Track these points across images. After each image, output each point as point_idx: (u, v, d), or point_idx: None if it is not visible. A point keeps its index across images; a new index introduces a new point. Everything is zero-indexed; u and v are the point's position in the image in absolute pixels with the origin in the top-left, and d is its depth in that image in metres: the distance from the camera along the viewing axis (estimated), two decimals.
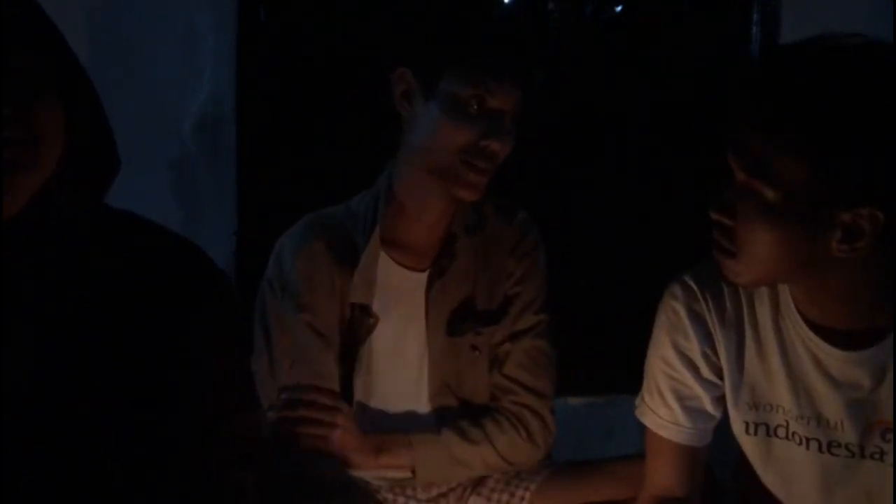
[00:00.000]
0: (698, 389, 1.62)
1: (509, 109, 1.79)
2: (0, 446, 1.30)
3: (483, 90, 1.77)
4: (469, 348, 1.94)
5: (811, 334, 1.53)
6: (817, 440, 1.56)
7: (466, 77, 1.77)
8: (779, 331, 1.57)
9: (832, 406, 1.53)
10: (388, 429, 1.93)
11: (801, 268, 1.44)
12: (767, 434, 1.60)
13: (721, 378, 1.62)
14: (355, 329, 1.89)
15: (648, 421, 1.67)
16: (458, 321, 1.93)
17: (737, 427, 1.65)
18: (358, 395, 1.92)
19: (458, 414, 1.95)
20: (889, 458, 1.51)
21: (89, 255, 1.36)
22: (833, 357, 1.52)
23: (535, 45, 1.86)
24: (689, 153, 2.87)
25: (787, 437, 1.59)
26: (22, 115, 1.26)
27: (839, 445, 1.54)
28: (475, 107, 1.77)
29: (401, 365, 1.93)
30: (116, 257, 1.38)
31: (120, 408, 1.34)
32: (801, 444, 1.57)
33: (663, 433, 1.65)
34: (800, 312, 1.53)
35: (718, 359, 1.61)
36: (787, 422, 1.58)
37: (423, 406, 1.95)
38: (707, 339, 1.61)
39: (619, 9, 2.99)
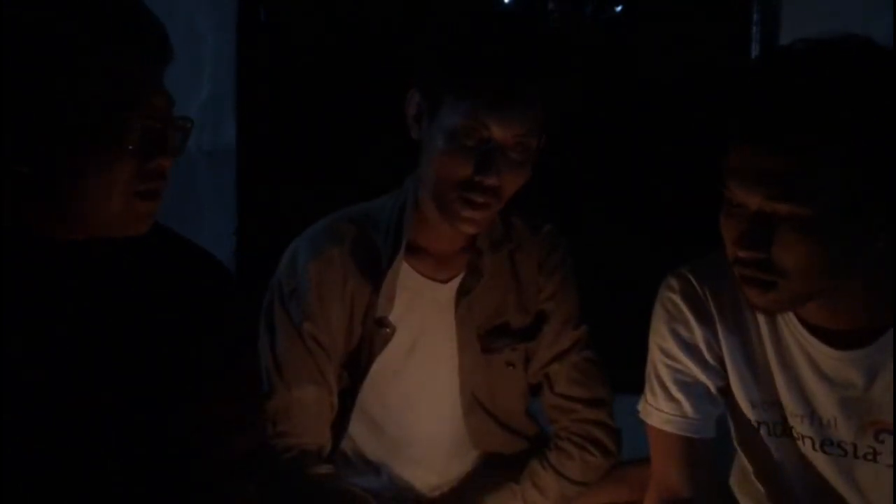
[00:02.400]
0: (702, 376, 1.62)
1: (513, 143, 1.70)
2: (18, 445, 1.31)
3: (478, 123, 1.68)
4: (503, 364, 1.93)
5: (805, 333, 1.53)
6: (810, 438, 1.56)
7: (463, 108, 1.69)
8: (774, 329, 1.57)
9: (825, 404, 1.53)
10: (403, 436, 1.93)
11: (839, 274, 1.42)
12: (759, 431, 1.60)
13: (723, 367, 1.61)
14: (369, 339, 1.87)
15: (654, 419, 1.66)
16: (491, 338, 1.91)
17: (732, 423, 1.65)
18: (363, 400, 1.91)
19: (490, 429, 1.94)
20: (882, 459, 1.51)
21: (115, 262, 1.37)
22: (826, 356, 1.52)
23: (547, 77, 1.73)
24: (688, 154, 2.86)
25: (782, 435, 1.59)
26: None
27: (832, 444, 1.55)
28: (471, 139, 1.69)
29: (415, 373, 1.91)
30: (142, 265, 1.39)
31: (134, 413, 1.35)
32: (795, 441, 1.57)
33: (670, 428, 1.64)
34: (795, 311, 1.53)
35: (720, 348, 1.61)
36: (782, 419, 1.58)
37: (451, 419, 1.94)
38: (709, 326, 1.61)
39: (619, 9, 2.99)
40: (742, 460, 1.68)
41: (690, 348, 1.62)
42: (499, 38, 1.76)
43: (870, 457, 1.52)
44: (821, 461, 1.56)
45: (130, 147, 1.27)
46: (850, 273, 1.42)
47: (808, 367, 1.54)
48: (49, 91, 1.25)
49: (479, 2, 3.02)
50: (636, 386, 1.73)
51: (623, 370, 1.96)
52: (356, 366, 1.89)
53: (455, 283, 1.89)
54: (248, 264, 2.84)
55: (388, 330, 1.86)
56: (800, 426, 1.56)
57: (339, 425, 1.91)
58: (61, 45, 1.26)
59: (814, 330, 1.52)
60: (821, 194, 1.33)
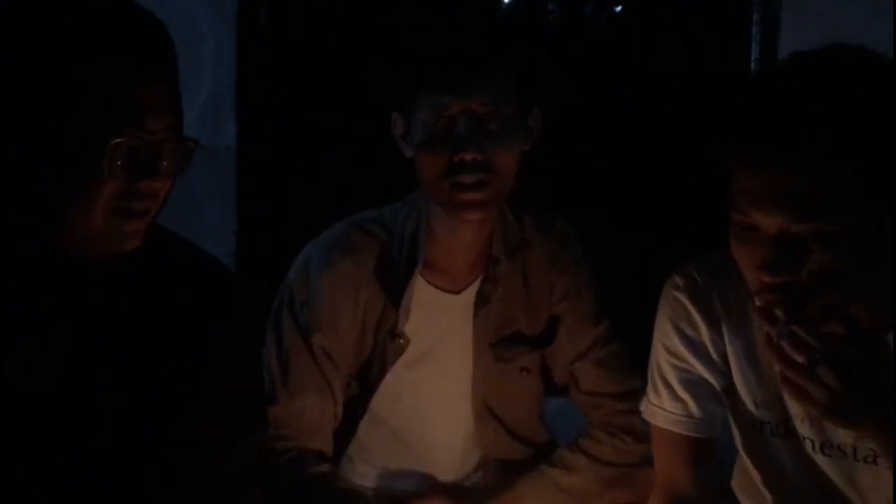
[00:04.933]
0: (707, 375, 1.61)
1: (484, 114, 1.72)
2: (24, 453, 1.31)
3: (442, 108, 1.71)
4: (517, 370, 1.92)
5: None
6: (810, 439, 1.55)
7: (427, 102, 1.73)
8: None
9: None
10: (413, 441, 1.94)
11: (866, 284, 1.39)
12: (762, 431, 1.60)
13: (727, 366, 1.60)
14: (381, 350, 1.87)
15: (659, 420, 1.65)
16: (504, 347, 1.90)
17: (735, 423, 1.65)
18: (374, 408, 1.90)
19: (500, 438, 1.94)
20: (883, 462, 1.50)
21: (116, 267, 1.36)
22: None
23: (497, 48, 1.77)
24: (688, 154, 2.87)
25: (786, 435, 1.58)
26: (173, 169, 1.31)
27: (831, 446, 1.54)
28: (441, 125, 1.72)
29: (427, 382, 1.91)
30: (144, 271, 1.38)
31: (140, 421, 1.35)
32: (795, 442, 1.57)
33: (675, 428, 1.63)
34: None
35: (725, 347, 1.60)
36: (785, 419, 1.58)
37: (462, 427, 1.94)
38: (714, 325, 1.59)
39: (619, 9, 3.00)
40: (744, 462, 1.68)
41: (696, 346, 1.61)
42: (442, 27, 1.86)
43: (870, 459, 1.52)
44: (822, 463, 1.56)
45: (114, 167, 1.24)
46: (872, 281, 1.41)
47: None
48: (33, 106, 1.24)
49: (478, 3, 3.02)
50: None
51: None
52: (367, 376, 1.88)
53: (468, 292, 1.88)
54: (248, 264, 2.84)
55: (402, 341, 1.86)
56: (800, 427, 1.56)
57: (345, 432, 1.91)
58: (48, 59, 1.24)
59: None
60: (846, 208, 1.32)
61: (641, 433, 1.88)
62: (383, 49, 1.82)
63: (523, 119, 1.79)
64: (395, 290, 1.85)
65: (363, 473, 1.95)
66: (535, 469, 1.89)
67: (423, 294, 1.86)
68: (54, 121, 1.24)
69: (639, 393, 1.89)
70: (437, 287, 1.88)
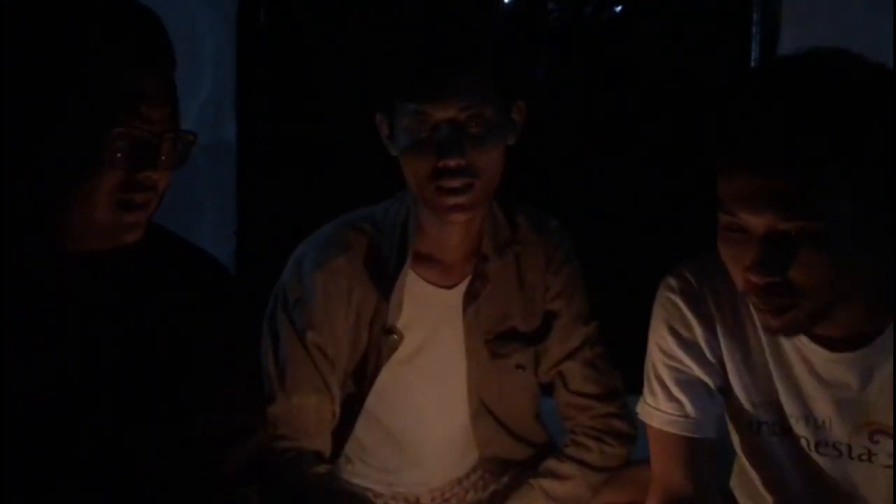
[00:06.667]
0: (702, 375, 1.61)
1: (464, 118, 1.72)
2: (24, 452, 1.32)
3: (422, 114, 1.71)
4: (513, 367, 1.92)
5: (801, 335, 1.52)
6: (806, 438, 1.56)
7: (408, 108, 1.72)
8: None
9: (820, 405, 1.53)
10: (409, 439, 1.94)
11: (855, 283, 1.40)
12: (759, 432, 1.60)
13: (722, 366, 1.61)
14: (376, 347, 1.87)
15: (655, 420, 1.65)
16: (499, 344, 1.91)
17: (732, 424, 1.65)
18: (370, 406, 1.91)
19: (498, 435, 1.95)
20: (878, 460, 1.51)
21: (115, 267, 1.37)
22: (821, 357, 1.51)
23: (467, 51, 1.76)
24: (688, 153, 2.87)
25: (778, 434, 1.59)
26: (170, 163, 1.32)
27: (826, 445, 1.55)
28: (423, 130, 1.72)
29: (422, 379, 1.91)
30: (143, 270, 1.38)
31: (139, 419, 1.35)
32: (790, 442, 1.57)
33: (671, 429, 1.63)
34: None
35: (719, 347, 1.60)
36: (779, 419, 1.58)
37: (459, 424, 1.94)
38: (709, 325, 1.60)
39: (618, 9, 3.00)
40: (743, 462, 1.68)
41: (690, 347, 1.62)
42: (412, 33, 1.81)
43: (864, 458, 1.52)
44: (815, 462, 1.56)
45: (115, 157, 1.26)
46: (861, 281, 1.41)
47: (804, 368, 1.54)
48: (32, 103, 1.25)
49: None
50: (634, 388, 1.73)
51: (624, 370, 1.96)
52: (362, 373, 1.89)
53: (461, 288, 1.89)
54: (248, 264, 2.84)
55: (395, 337, 1.86)
56: (796, 426, 1.57)
57: (343, 431, 1.91)
58: (48, 51, 1.25)
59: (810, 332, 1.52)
60: (833, 206, 1.33)
61: (624, 436, 1.91)
62: (366, 54, 1.81)
63: (506, 114, 1.79)
64: (387, 284, 1.85)
65: (361, 473, 1.96)
66: (524, 484, 1.90)
67: (414, 288, 1.87)
68: (54, 117, 1.25)
69: (620, 394, 1.91)
70: (428, 281, 1.88)
